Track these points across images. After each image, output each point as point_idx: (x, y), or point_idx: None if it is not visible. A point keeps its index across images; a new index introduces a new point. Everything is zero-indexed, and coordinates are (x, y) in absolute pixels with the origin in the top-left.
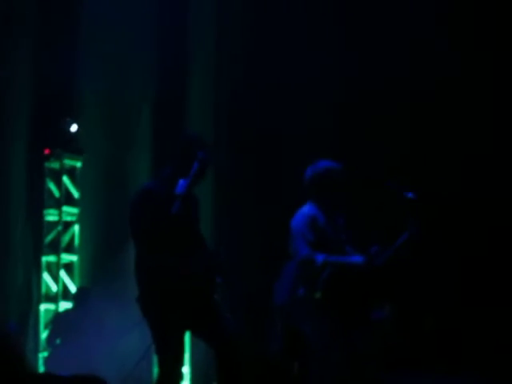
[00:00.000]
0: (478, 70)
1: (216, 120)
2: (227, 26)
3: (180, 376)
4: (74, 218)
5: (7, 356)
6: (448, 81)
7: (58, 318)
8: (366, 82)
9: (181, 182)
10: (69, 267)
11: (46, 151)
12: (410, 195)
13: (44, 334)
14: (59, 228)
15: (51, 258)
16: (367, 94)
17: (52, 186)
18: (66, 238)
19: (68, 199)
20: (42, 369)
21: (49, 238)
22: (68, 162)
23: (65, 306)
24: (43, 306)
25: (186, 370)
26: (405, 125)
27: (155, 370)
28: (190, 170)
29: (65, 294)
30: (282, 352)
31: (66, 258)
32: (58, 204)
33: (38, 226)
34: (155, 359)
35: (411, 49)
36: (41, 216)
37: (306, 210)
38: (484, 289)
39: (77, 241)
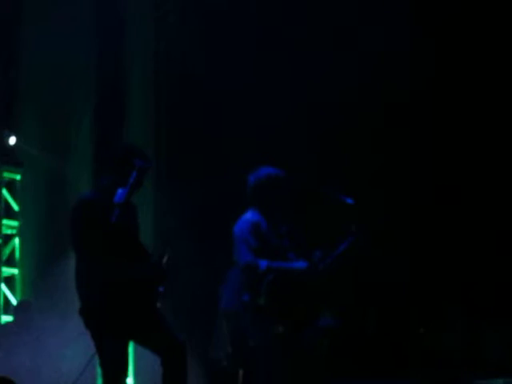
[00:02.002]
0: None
1: (157, 129)
2: (164, 35)
3: None
4: (14, 231)
5: None
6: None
7: None
8: (306, 90)
9: (119, 191)
10: (10, 280)
11: None
12: (348, 201)
13: None
14: None
15: None
16: (307, 103)
17: None
18: (6, 251)
19: (8, 212)
20: None
21: None
22: (7, 175)
23: (6, 319)
24: None
25: (130, 381)
26: (344, 130)
27: (99, 382)
28: (129, 179)
29: (6, 307)
30: (229, 358)
31: (7, 271)
32: None
33: None
34: (99, 371)
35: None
36: None
37: (249, 216)
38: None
39: (17, 254)
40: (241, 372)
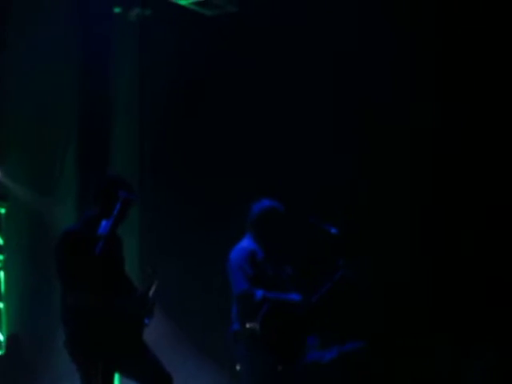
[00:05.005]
0: None
1: (141, 162)
2: (150, 65)
3: None
4: None
5: None
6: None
7: None
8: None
9: (103, 222)
10: None
11: None
12: (332, 231)
13: None
14: None
15: None
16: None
17: None
18: None
19: None
20: None
21: None
22: None
23: None
24: None
25: None
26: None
27: None
28: (113, 210)
29: None
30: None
31: None
32: None
33: None
34: None
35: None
36: None
37: (246, 244)
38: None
39: (2, 288)
40: None
